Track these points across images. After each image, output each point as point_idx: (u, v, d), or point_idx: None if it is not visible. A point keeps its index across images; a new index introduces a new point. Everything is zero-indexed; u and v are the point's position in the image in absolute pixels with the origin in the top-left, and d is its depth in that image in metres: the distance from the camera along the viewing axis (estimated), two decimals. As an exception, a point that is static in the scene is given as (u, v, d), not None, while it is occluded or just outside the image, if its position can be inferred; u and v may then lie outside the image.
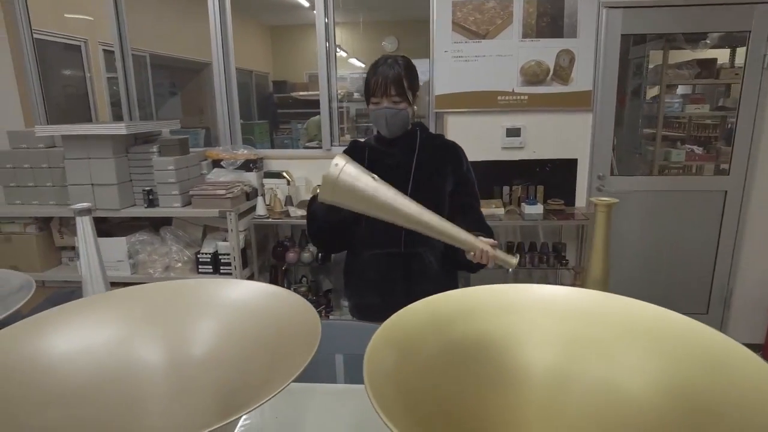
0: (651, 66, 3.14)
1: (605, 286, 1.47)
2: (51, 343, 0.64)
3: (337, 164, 1.09)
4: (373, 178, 1.11)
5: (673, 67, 3.12)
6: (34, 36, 3.21)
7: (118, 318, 0.71)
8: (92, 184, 2.65)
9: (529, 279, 3.04)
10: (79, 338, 0.67)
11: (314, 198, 1.37)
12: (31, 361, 0.61)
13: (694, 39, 3.01)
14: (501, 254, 1.21)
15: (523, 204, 2.87)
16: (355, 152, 1.53)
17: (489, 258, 1.20)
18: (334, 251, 1.60)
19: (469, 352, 0.67)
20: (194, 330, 0.71)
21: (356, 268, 1.57)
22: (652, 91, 3.23)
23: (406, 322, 0.66)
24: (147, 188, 2.71)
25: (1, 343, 0.61)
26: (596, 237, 1.40)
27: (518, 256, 1.26)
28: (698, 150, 3.20)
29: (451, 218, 1.19)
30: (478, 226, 1.40)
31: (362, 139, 1.59)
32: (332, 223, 1.37)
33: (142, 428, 0.63)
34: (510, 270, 1.32)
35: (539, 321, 0.72)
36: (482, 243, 1.19)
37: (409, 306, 0.68)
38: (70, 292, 1.62)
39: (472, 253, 1.20)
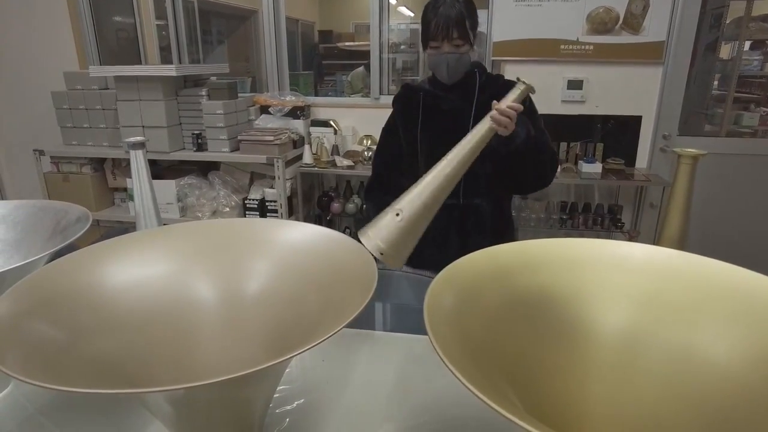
0: (729, 19, 2.86)
1: (682, 247, 1.35)
2: (109, 272, 0.64)
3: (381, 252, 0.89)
4: (397, 213, 0.92)
5: (757, 19, 2.83)
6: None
7: (175, 252, 0.70)
8: (143, 126, 2.68)
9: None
10: (136, 269, 0.66)
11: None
12: (90, 288, 0.61)
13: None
14: (512, 95, 1.05)
15: (580, 162, 2.73)
16: (407, 97, 1.47)
17: (508, 112, 1.05)
18: None
19: (532, 305, 0.63)
20: (249, 268, 0.69)
21: None
22: (728, 47, 2.95)
23: (467, 269, 0.62)
24: (196, 132, 2.73)
25: (63, 269, 0.61)
26: (676, 192, 1.28)
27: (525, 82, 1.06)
28: (775, 114, 2.93)
29: None
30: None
31: (414, 82, 1.49)
32: None
33: (194, 361, 0.63)
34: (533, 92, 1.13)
35: (610, 278, 0.65)
36: (490, 114, 1.04)
37: (469, 255, 0.63)
38: (124, 230, 1.66)
39: (494, 125, 1.03)
